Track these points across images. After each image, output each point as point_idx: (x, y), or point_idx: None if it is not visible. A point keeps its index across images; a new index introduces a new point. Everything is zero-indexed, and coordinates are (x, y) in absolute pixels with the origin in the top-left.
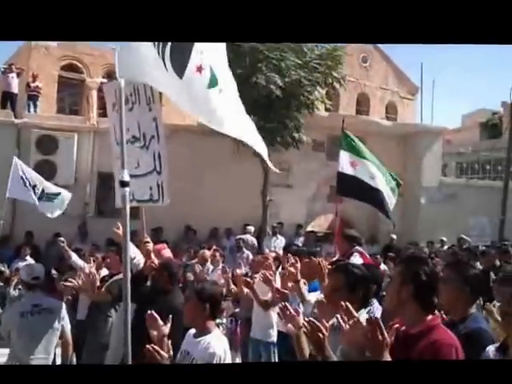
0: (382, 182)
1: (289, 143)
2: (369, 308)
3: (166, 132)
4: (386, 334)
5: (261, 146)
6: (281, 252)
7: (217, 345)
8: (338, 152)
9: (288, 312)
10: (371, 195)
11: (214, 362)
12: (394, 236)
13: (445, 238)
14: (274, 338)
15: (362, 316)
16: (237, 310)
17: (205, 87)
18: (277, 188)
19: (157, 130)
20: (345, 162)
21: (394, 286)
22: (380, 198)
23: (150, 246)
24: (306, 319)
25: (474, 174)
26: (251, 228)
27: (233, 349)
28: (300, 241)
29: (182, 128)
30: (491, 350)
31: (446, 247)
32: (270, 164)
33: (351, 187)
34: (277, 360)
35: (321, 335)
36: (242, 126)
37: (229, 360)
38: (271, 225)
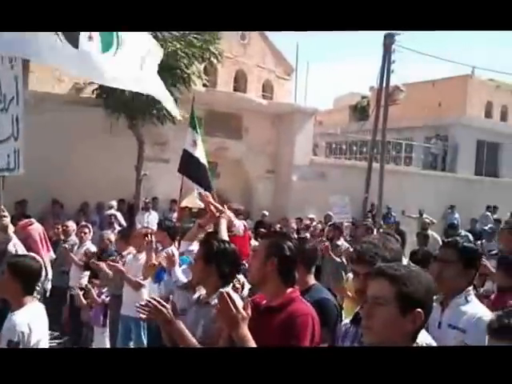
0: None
1: (165, 117)
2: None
3: (36, 100)
4: (239, 308)
5: (164, 98)
6: (154, 227)
7: (20, 321)
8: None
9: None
10: (202, 174)
11: (16, 339)
12: (266, 212)
13: (313, 215)
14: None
15: (228, 290)
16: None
17: (99, 52)
18: (152, 162)
19: (17, 90)
20: (189, 140)
21: (259, 259)
22: (207, 176)
23: (6, 220)
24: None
25: (342, 155)
26: (113, 203)
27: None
28: (174, 216)
29: (53, 97)
30: (346, 322)
31: (314, 223)
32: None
33: (189, 165)
34: (146, 336)
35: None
36: (142, 81)
37: (38, 336)
38: (143, 200)
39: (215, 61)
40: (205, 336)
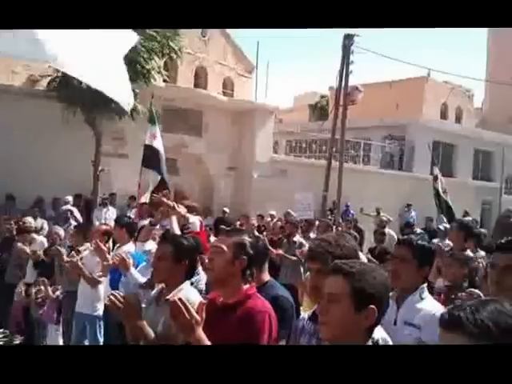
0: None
1: (123, 112)
2: (195, 278)
3: None
4: (193, 312)
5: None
6: (112, 224)
7: None
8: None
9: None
10: (164, 167)
11: None
12: (227, 209)
13: (274, 212)
14: (101, 312)
15: (186, 286)
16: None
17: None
18: (110, 158)
19: None
20: (149, 134)
21: (226, 259)
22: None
23: None
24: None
25: (302, 153)
26: (69, 198)
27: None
28: (133, 213)
29: (8, 89)
30: (304, 317)
31: (274, 220)
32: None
33: (153, 159)
34: (102, 334)
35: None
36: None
37: None
38: (100, 196)
39: (175, 56)
40: (165, 333)
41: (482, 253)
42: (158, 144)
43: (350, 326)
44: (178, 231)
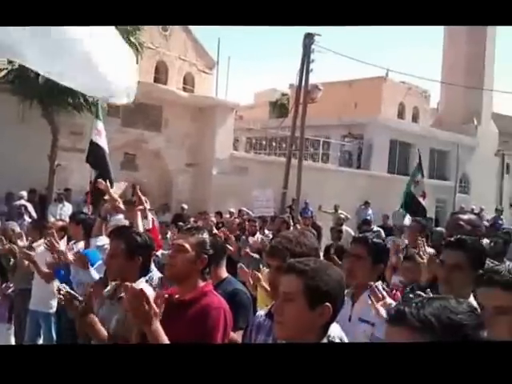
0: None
1: (81, 106)
2: (149, 275)
3: None
4: (152, 303)
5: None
6: (67, 220)
7: None
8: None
9: None
10: (106, 164)
11: None
12: (185, 205)
13: (233, 209)
14: (54, 309)
15: (142, 284)
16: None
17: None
18: (67, 152)
19: None
20: (95, 130)
21: (188, 257)
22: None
23: None
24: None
25: (262, 150)
26: (23, 193)
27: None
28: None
29: None
30: (261, 314)
31: (233, 218)
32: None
33: (96, 155)
34: (54, 331)
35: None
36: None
37: None
38: (56, 191)
39: (135, 51)
40: (118, 331)
41: (431, 250)
42: (102, 140)
43: (304, 325)
44: (141, 227)
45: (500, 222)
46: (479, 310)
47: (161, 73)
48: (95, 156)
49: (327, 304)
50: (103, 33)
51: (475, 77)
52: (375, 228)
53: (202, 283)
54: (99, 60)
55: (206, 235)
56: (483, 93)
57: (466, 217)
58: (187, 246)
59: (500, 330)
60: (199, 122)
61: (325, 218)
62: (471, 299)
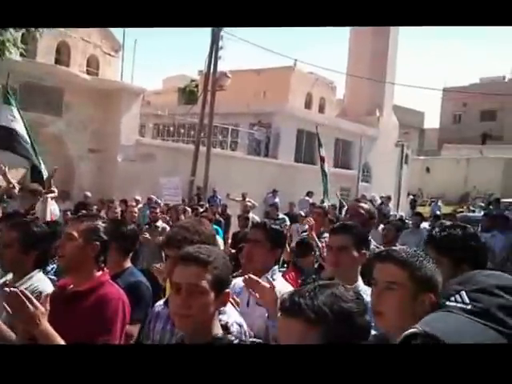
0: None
1: None
2: (51, 266)
3: None
4: (36, 303)
5: None
6: None
7: None
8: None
9: None
10: (21, 146)
11: None
12: (89, 193)
13: (139, 197)
14: None
15: (38, 275)
16: None
17: None
18: None
19: None
20: (5, 115)
21: (77, 244)
22: (24, 146)
23: None
24: None
25: (170, 137)
26: None
27: None
28: None
29: None
30: (160, 304)
31: (140, 206)
32: None
33: (11, 140)
34: None
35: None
36: None
37: None
38: None
39: (33, 29)
40: (8, 323)
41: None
42: (17, 125)
43: (210, 314)
44: (48, 216)
45: (388, 208)
46: (373, 284)
47: (63, 54)
48: (9, 140)
49: (228, 291)
50: None
51: (378, 70)
52: (281, 215)
53: (97, 273)
54: None
55: (98, 222)
56: (385, 86)
57: (366, 205)
58: (75, 233)
59: (389, 304)
60: (103, 106)
61: (233, 206)
62: (359, 281)
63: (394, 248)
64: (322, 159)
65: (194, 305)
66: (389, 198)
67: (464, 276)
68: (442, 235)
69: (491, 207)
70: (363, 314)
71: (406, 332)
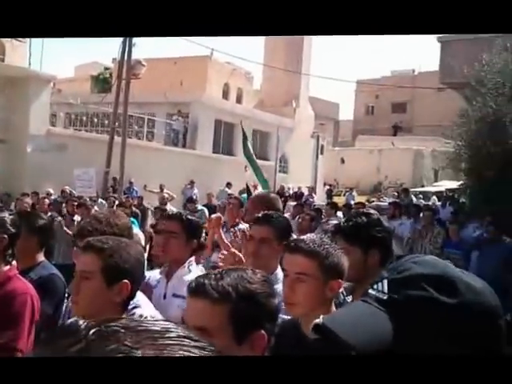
0: None
1: None
2: None
3: None
4: None
5: None
6: None
7: None
8: None
9: None
10: None
11: None
12: None
13: (51, 189)
14: None
15: None
16: None
17: None
18: None
19: None
20: None
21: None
22: None
23: None
24: None
25: (83, 126)
26: None
27: None
28: None
29: None
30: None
31: (53, 198)
32: None
33: None
34: None
35: None
36: None
37: None
38: None
39: None
40: None
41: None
42: None
43: (102, 302)
44: None
45: (312, 199)
46: (283, 275)
47: None
48: None
49: (125, 281)
50: None
51: (294, 62)
52: (199, 207)
53: (5, 267)
54: None
55: (5, 214)
56: (301, 77)
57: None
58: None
59: (301, 295)
60: (10, 94)
61: (150, 197)
62: (278, 270)
63: (301, 238)
64: (248, 152)
65: (82, 289)
66: (312, 189)
67: (397, 262)
68: (349, 225)
69: (402, 196)
70: (269, 296)
71: (311, 324)
